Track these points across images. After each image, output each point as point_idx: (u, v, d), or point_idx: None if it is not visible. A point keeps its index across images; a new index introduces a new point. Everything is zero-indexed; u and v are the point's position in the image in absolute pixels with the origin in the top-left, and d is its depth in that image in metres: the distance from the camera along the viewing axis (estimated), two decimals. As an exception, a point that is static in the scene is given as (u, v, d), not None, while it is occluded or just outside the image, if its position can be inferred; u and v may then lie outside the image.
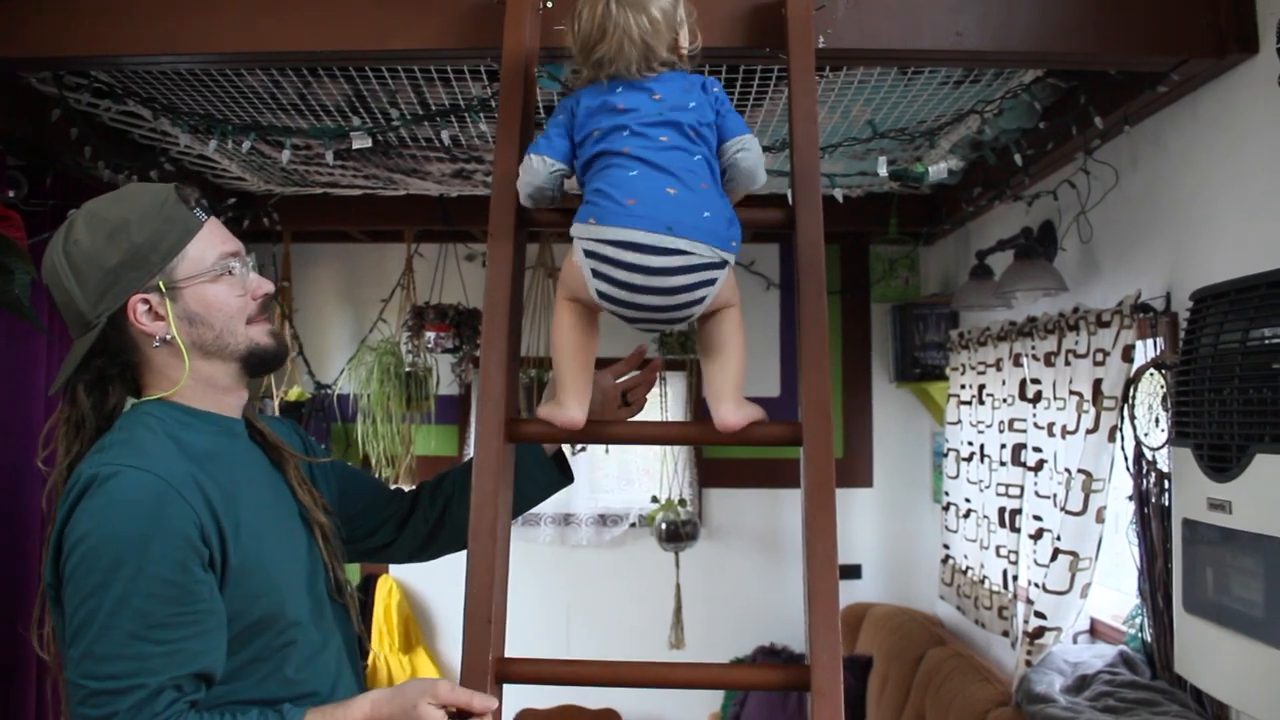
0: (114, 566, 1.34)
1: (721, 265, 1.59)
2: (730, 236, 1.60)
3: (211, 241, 1.55)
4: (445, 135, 2.84)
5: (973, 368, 3.73)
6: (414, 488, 1.95)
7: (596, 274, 1.58)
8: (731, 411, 1.66)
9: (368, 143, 2.77)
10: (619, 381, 1.93)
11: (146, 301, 1.50)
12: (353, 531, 1.83)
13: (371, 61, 2.35)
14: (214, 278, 1.54)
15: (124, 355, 1.54)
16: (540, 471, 1.90)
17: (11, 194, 2.84)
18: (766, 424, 1.69)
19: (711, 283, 1.59)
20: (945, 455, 4.00)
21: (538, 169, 1.69)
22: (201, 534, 1.40)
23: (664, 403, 4.73)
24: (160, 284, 1.50)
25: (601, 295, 1.59)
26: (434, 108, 2.68)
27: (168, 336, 1.51)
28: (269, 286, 1.63)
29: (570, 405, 1.68)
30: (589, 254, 1.58)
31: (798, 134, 1.81)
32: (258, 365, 1.61)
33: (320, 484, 1.76)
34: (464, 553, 1.61)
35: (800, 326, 1.70)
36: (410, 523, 1.90)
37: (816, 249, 1.71)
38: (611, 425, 1.86)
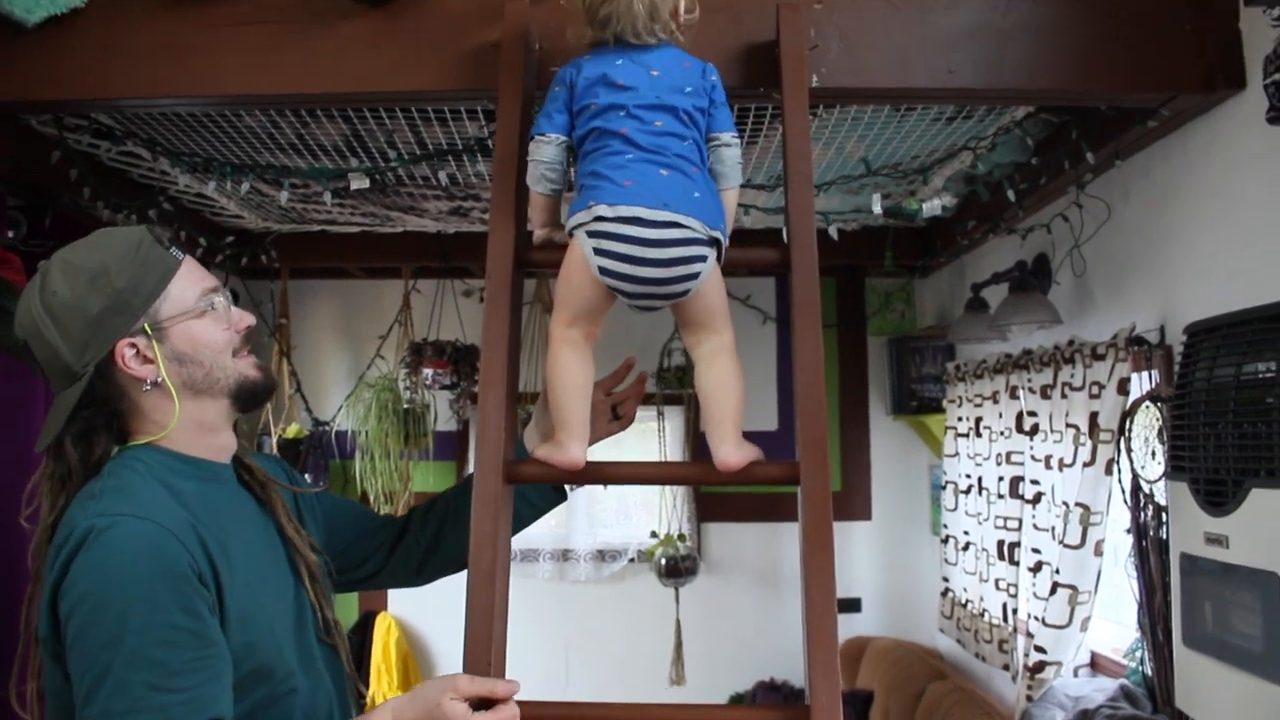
0: (122, 619, 1.30)
1: (711, 244, 1.67)
2: (718, 219, 1.69)
3: (191, 279, 1.54)
4: (443, 175, 2.86)
5: (969, 400, 3.74)
6: (405, 513, 1.95)
7: (599, 251, 1.65)
8: (732, 451, 1.68)
9: (365, 184, 2.79)
10: (608, 396, 1.95)
11: (134, 345, 1.48)
12: (343, 562, 1.81)
13: (369, 103, 2.37)
14: (198, 314, 1.53)
15: (111, 403, 1.51)
16: (535, 492, 1.90)
17: (11, 234, 2.86)
18: (765, 464, 1.70)
19: (703, 259, 1.67)
20: (943, 488, 4.00)
21: (544, 148, 1.78)
22: (201, 578, 1.38)
23: (662, 438, 4.73)
24: (146, 326, 1.48)
25: (603, 271, 1.66)
26: (431, 147, 2.70)
27: (158, 379, 1.49)
28: (251, 319, 1.62)
29: (570, 445, 1.69)
30: (591, 234, 1.66)
31: (792, 173, 1.83)
32: (248, 399, 1.60)
33: (308, 520, 1.75)
34: (463, 588, 1.60)
35: (796, 366, 1.71)
36: (400, 548, 1.89)
37: (812, 289, 1.73)
38: (611, 466, 1.86)
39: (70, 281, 1.46)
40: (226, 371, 1.55)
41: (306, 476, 1.94)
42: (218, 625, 1.39)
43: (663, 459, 4.72)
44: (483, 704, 1.42)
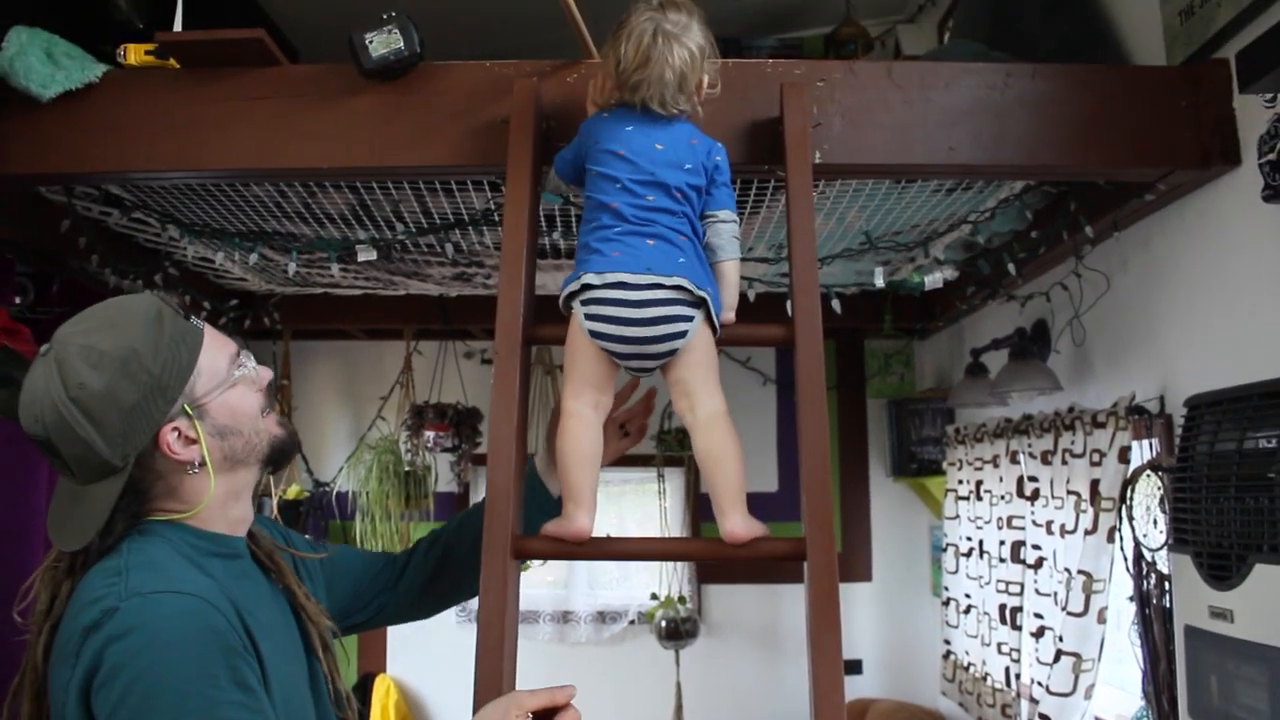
0: (181, 704, 1.22)
1: (697, 304, 1.74)
2: (705, 281, 1.76)
3: (216, 348, 1.49)
4: (448, 248, 2.89)
5: (970, 464, 3.74)
6: (407, 548, 1.94)
7: (590, 316, 1.73)
8: (739, 524, 1.71)
9: (373, 255, 2.81)
10: (615, 415, 1.96)
11: (176, 429, 1.41)
12: (346, 610, 1.80)
13: (378, 177, 2.40)
14: (231, 384, 1.48)
15: (146, 490, 1.43)
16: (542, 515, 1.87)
17: (18, 300, 2.88)
18: (771, 539, 1.71)
19: (688, 318, 1.73)
20: (944, 550, 4.00)
21: (555, 180, 2.00)
22: (246, 651, 1.33)
23: (663, 499, 4.73)
24: (185, 407, 1.42)
25: (594, 334, 1.74)
26: (438, 217, 2.73)
27: (202, 459, 1.42)
28: (269, 373, 1.59)
29: (578, 516, 1.71)
30: (583, 302, 1.74)
31: (796, 250, 1.86)
32: (279, 458, 1.57)
33: (306, 580, 1.71)
34: (463, 649, 1.60)
35: (802, 442, 1.72)
36: (402, 584, 1.88)
37: (817, 369, 1.75)
38: (617, 542, 1.87)
39: (100, 371, 1.36)
40: (261, 436, 1.51)
41: (306, 536, 1.93)
42: (267, 698, 1.34)
43: (663, 520, 4.74)
44: (544, 716, 1.44)
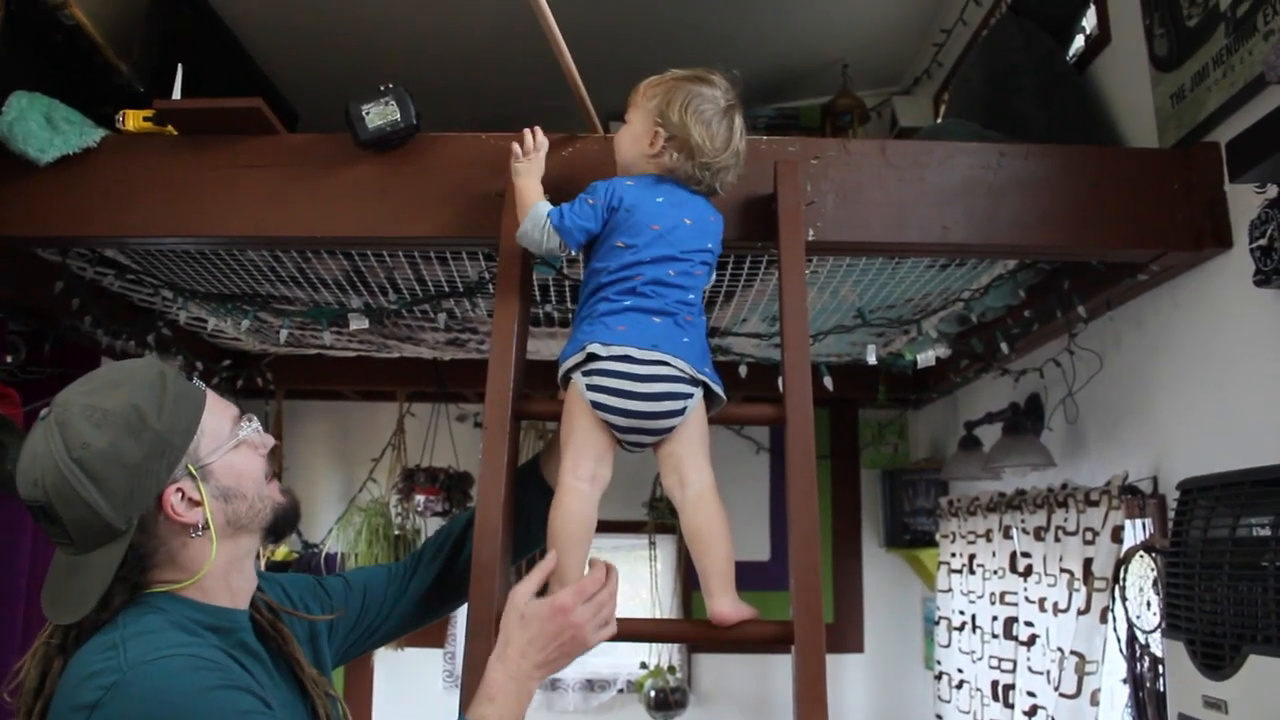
0: None
1: (696, 384, 1.76)
2: (704, 362, 1.78)
3: (219, 409, 1.46)
4: (441, 317, 2.89)
5: (963, 536, 3.72)
6: (414, 552, 1.92)
7: (591, 387, 1.73)
8: (727, 606, 1.72)
9: (365, 324, 2.81)
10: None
11: (180, 490, 1.37)
12: (361, 634, 1.79)
13: (373, 247, 2.41)
14: (234, 446, 1.44)
15: (146, 557, 1.37)
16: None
17: (10, 359, 2.87)
18: (759, 622, 1.70)
19: (689, 396, 1.75)
20: (937, 623, 3.96)
21: (548, 241, 1.87)
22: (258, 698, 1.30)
23: (654, 566, 4.69)
24: (190, 467, 1.38)
25: (596, 405, 1.73)
26: (431, 284, 2.73)
27: (205, 523, 1.38)
28: (272, 440, 1.55)
29: None
30: (585, 373, 1.74)
31: (788, 329, 1.86)
32: (282, 526, 1.52)
33: (325, 609, 1.72)
34: (449, 705, 1.57)
35: (791, 521, 1.72)
36: (410, 590, 1.85)
37: (807, 450, 1.74)
38: None
39: (102, 429, 1.31)
40: (265, 501, 1.48)
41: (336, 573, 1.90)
42: None
43: (654, 587, 4.71)
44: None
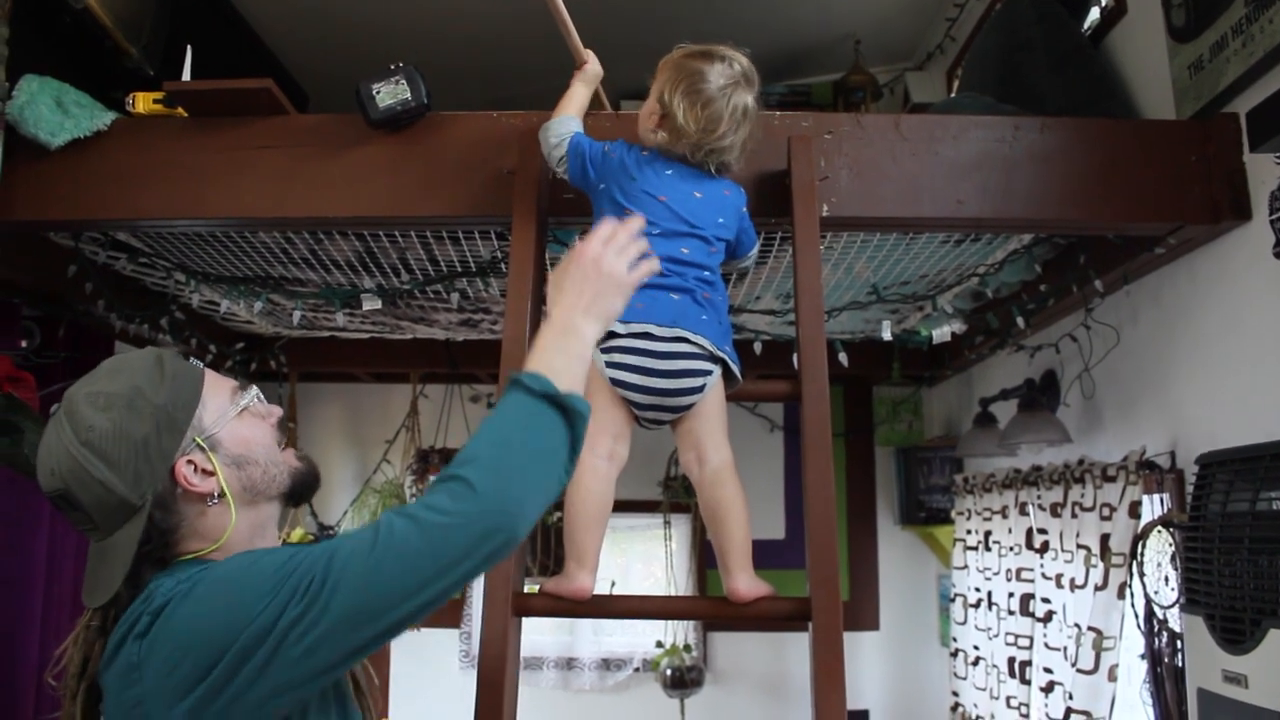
0: (273, 594, 1.21)
1: (715, 361, 1.76)
2: (724, 340, 1.78)
3: (218, 383, 1.49)
4: (454, 297, 2.88)
5: (978, 513, 3.71)
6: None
7: (611, 364, 1.73)
8: (744, 584, 1.72)
9: (378, 304, 2.81)
10: None
11: (191, 462, 1.39)
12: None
13: (385, 227, 2.39)
14: (239, 414, 1.46)
15: (168, 533, 1.40)
16: None
17: (24, 344, 2.88)
18: (776, 599, 1.70)
19: (708, 373, 1.75)
20: (953, 600, 3.96)
21: (556, 150, 1.95)
22: None
23: (669, 545, 4.70)
24: (196, 439, 1.40)
25: (615, 382, 1.73)
26: (443, 263, 2.72)
27: (220, 492, 1.40)
28: (279, 410, 1.57)
29: (579, 575, 1.69)
30: (605, 350, 1.74)
31: (802, 305, 1.85)
32: (302, 491, 1.53)
33: None
34: (463, 703, 1.57)
35: (807, 498, 1.71)
36: None
37: (823, 425, 1.73)
38: (619, 600, 1.86)
39: (106, 411, 1.36)
40: (279, 467, 1.49)
41: None
42: None
43: (669, 567, 4.70)
44: None
